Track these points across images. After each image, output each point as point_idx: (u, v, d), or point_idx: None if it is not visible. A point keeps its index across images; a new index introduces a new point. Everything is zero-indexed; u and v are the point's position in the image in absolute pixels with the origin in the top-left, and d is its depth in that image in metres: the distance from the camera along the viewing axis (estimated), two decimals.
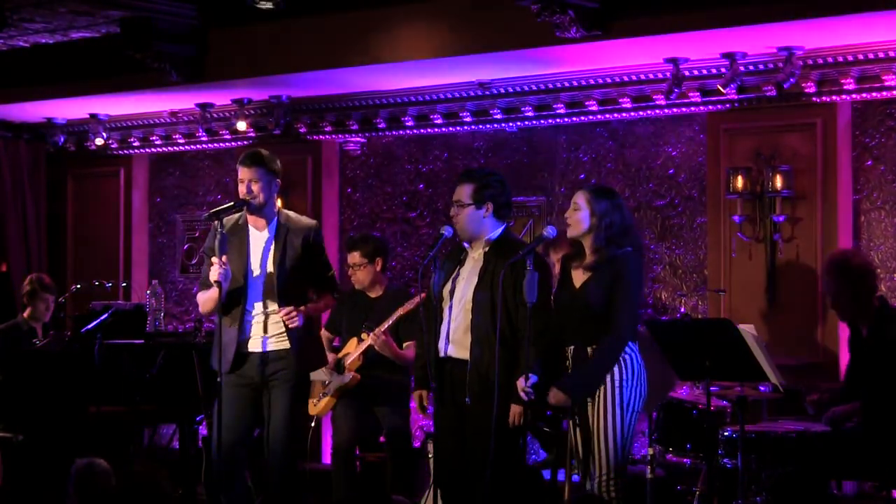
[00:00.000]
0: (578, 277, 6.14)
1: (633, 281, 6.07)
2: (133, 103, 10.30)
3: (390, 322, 7.68)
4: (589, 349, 6.04)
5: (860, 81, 7.88)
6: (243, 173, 6.56)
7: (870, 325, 6.63)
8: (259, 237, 6.62)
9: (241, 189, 6.56)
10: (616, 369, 6.03)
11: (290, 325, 6.49)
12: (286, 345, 6.55)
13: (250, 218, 6.62)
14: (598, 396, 6.02)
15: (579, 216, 6.12)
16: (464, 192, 6.26)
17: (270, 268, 6.55)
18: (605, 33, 7.75)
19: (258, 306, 6.56)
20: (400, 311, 7.66)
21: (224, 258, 6.44)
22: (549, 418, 7.04)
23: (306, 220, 6.72)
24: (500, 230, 6.31)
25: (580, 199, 6.16)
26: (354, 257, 7.94)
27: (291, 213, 6.75)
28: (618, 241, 6.07)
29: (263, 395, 6.58)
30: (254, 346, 6.57)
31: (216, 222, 6.49)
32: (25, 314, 9.19)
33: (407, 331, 7.77)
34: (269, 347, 6.56)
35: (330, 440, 8.18)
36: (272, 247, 6.56)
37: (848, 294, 6.63)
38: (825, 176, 8.07)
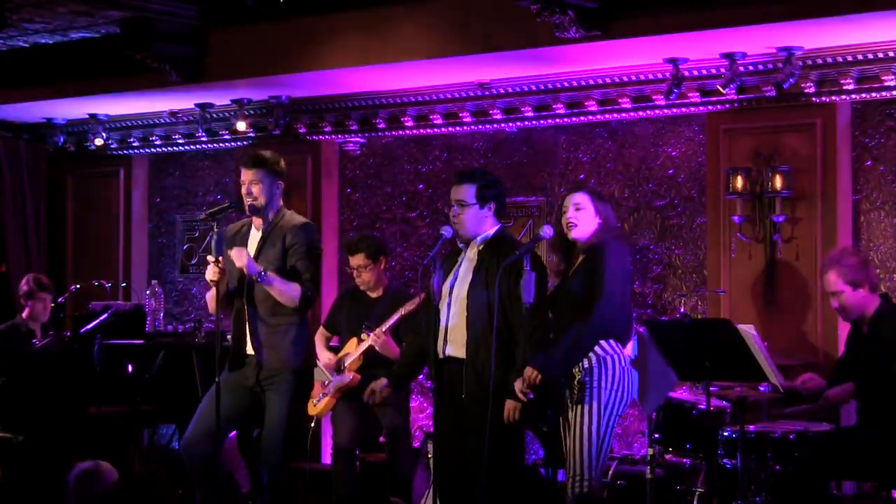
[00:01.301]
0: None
1: (613, 269, 6.08)
2: (133, 103, 10.30)
3: (391, 322, 7.68)
4: None
5: (860, 82, 7.88)
6: (244, 175, 6.53)
7: (870, 323, 6.63)
8: (255, 237, 6.59)
9: (242, 190, 6.54)
10: (595, 369, 6.04)
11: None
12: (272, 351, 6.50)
13: (254, 219, 6.60)
14: (579, 395, 6.03)
15: (586, 216, 6.16)
16: (466, 191, 6.27)
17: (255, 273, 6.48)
18: (604, 33, 7.75)
19: (251, 309, 6.51)
20: (401, 312, 7.65)
21: (220, 258, 6.42)
22: (548, 418, 7.04)
23: (294, 220, 6.60)
24: (494, 229, 6.34)
25: (581, 199, 6.17)
26: (359, 259, 7.91)
27: (288, 213, 6.66)
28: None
29: (263, 398, 6.55)
30: (248, 348, 6.54)
31: (213, 223, 6.48)
32: (24, 315, 9.18)
33: (407, 332, 7.77)
34: (257, 351, 6.51)
35: (330, 440, 8.18)
36: (259, 247, 6.54)
37: (845, 294, 6.62)
38: (825, 176, 8.07)
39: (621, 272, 6.16)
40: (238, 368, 6.54)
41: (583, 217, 6.16)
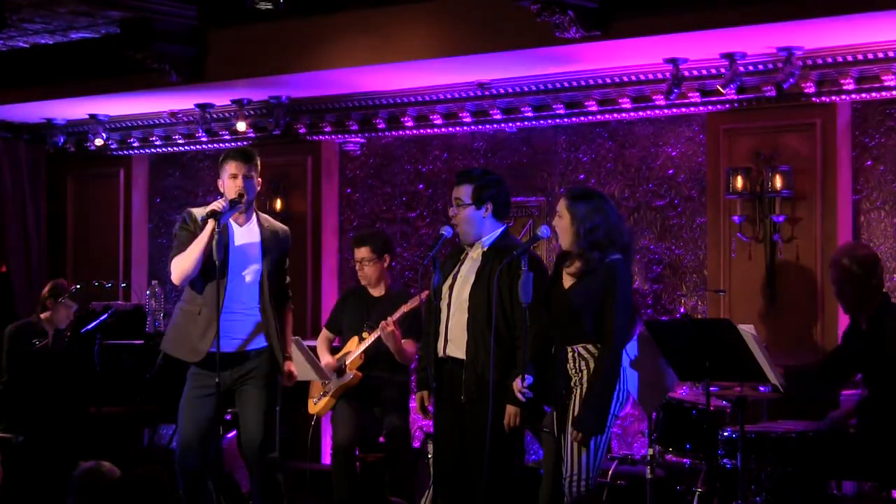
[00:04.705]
0: (568, 279, 6.14)
1: (623, 291, 5.96)
2: (133, 104, 10.31)
3: (397, 316, 7.65)
4: (569, 349, 6.00)
5: (860, 82, 7.89)
6: (243, 169, 6.44)
7: (869, 320, 6.62)
8: (241, 234, 6.52)
9: (238, 183, 6.43)
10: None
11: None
12: (263, 344, 6.47)
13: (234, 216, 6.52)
14: (575, 398, 6.01)
15: (562, 225, 6.06)
16: (463, 191, 6.27)
17: (253, 268, 6.47)
18: (604, 33, 7.75)
19: (237, 304, 6.44)
20: (405, 308, 7.65)
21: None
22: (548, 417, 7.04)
23: (281, 225, 6.71)
24: (499, 231, 6.33)
25: (560, 206, 6.09)
26: (363, 252, 7.91)
27: (267, 216, 6.70)
28: (603, 246, 5.97)
29: (235, 395, 6.48)
30: (228, 345, 6.37)
31: (213, 222, 6.42)
32: (43, 316, 9.09)
33: (407, 330, 7.76)
34: (246, 347, 6.47)
35: (330, 440, 8.18)
36: (259, 248, 6.50)
37: (853, 283, 6.60)
38: (825, 176, 8.07)
39: (628, 293, 6.08)
40: (209, 366, 6.36)
41: (561, 226, 6.08)
